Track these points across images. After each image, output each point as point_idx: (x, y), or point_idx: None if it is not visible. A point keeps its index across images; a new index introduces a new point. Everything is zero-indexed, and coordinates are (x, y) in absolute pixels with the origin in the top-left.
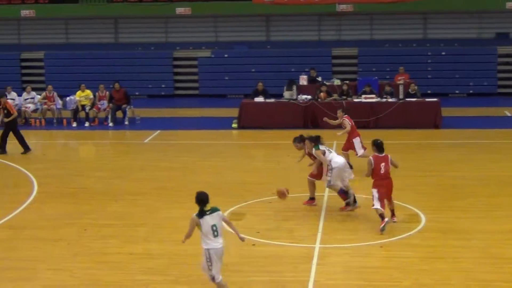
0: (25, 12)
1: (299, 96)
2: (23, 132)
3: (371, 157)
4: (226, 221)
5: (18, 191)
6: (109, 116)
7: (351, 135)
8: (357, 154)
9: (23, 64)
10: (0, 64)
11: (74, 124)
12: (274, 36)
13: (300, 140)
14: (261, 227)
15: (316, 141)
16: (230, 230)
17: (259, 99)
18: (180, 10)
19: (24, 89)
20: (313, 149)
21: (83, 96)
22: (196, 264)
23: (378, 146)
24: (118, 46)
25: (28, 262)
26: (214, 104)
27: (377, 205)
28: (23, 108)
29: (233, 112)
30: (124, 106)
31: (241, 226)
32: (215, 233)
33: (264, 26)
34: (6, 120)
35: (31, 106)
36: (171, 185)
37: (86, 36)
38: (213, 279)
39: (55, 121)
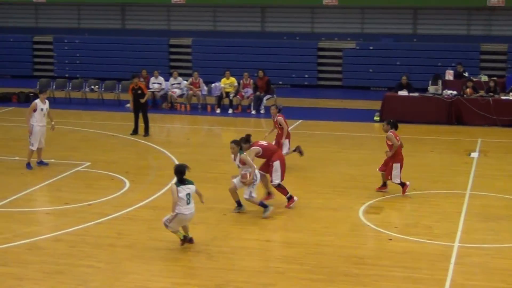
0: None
1: (444, 91)
2: (169, 117)
3: (391, 133)
4: (198, 193)
5: (161, 173)
6: (252, 104)
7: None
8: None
9: (172, 50)
10: (150, 49)
11: (218, 111)
12: (421, 29)
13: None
14: (399, 222)
15: (241, 144)
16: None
17: (403, 92)
18: (327, 0)
19: (171, 74)
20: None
21: (227, 83)
22: (333, 256)
23: (394, 123)
24: (264, 35)
25: (169, 243)
26: (357, 96)
27: (398, 179)
28: (169, 93)
29: (376, 104)
30: (263, 94)
31: (379, 221)
32: (188, 201)
33: (411, 19)
34: (142, 100)
35: (177, 91)
36: (311, 175)
37: (233, 24)
38: (165, 226)
39: (199, 106)
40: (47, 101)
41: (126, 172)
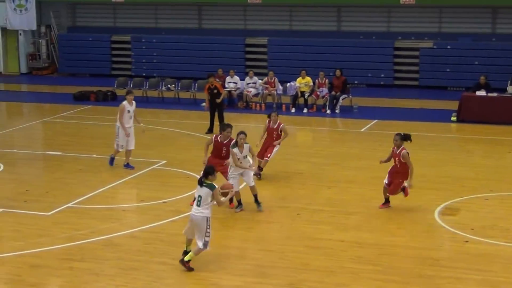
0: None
1: None
2: (244, 116)
3: (406, 152)
4: (216, 200)
5: None
6: (327, 103)
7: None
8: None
9: (248, 49)
10: (226, 48)
11: (293, 110)
12: (500, 29)
13: None
14: (475, 224)
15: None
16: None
17: (481, 92)
18: (405, 0)
19: (247, 74)
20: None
21: (303, 82)
22: (407, 257)
23: (407, 136)
24: (340, 34)
25: (241, 241)
26: (433, 96)
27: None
28: (244, 92)
29: (453, 105)
30: (338, 94)
31: (455, 222)
32: (198, 202)
33: (489, 18)
34: (218, 100)
35: (253, 91)
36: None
37: (309, 24)
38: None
39: (274, 105)
40: (134, 103)
41: (201, 170)
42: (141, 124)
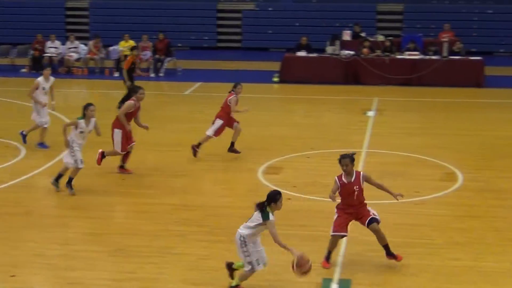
0: None
1: (341, 51)
2: (67, 81)
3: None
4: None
5: (56, 140)
6: (152, 67)
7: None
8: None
9: (68, 13)
10: (46, 12)
11: (116, 74)
12: None
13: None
14: (297, 182)
15: None
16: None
17: (302, 53)
18: None
19: (67, 38)
20: None
21: (126, 46)
22: (233, 217)
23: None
24: None
25: (64, 210)
26: (256, 57)
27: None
28: (66, 57)
29: (275, 66)
30: (163, 57)
31: (278, 180)
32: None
33: None
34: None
35: (74, 55)
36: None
37: None
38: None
39: (97, 70)
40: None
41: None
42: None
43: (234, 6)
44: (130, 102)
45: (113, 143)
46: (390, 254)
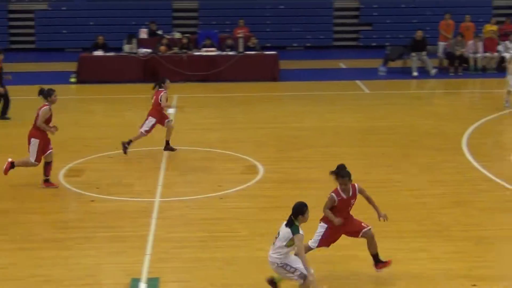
0: None
1: (139, 50)
2: None
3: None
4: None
5: None
6: None
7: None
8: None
9: None
10: None
11: None
12: None
13: None
14: (100, 183)
15: None
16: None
17: (99, 52)
18: None
19: None
20: None
21: None
22: (38, 223)
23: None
24: None
25: None
26: (52, 58)
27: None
28: None
29: (72, 66)
30: None
31: (80, 183)
32: (274, 239)
33: None
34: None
35: None
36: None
37: None
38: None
39: None
40: None
41: None
42: None
43: (26, 7)
44: (45, 108)
45: (29, 152)
46: (378, 262)
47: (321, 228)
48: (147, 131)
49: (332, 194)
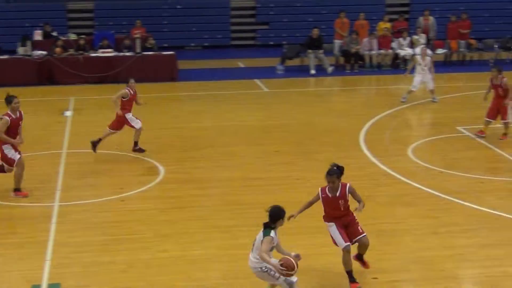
0: None
1: (34, 52)
2: None
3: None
4: (262, 251)
5: None
6: None
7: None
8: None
9: None
10: None
11: None
12: None
13: None
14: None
15: None
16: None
17: None
18: None
19: None
20: None
21: None
22: None
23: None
24: None
25: None
26: None
27: None
28: None
29: None
30: None
31: None
32: (252, 247)
33: None
34: None
35: None
36: None
37: None
38: None
39: None
40: None
41: None
42: None
43: None
44: (5, 118)
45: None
46: (361, 260)
47: (331, 227)
48: (139, 127)
49: (319, 189)
